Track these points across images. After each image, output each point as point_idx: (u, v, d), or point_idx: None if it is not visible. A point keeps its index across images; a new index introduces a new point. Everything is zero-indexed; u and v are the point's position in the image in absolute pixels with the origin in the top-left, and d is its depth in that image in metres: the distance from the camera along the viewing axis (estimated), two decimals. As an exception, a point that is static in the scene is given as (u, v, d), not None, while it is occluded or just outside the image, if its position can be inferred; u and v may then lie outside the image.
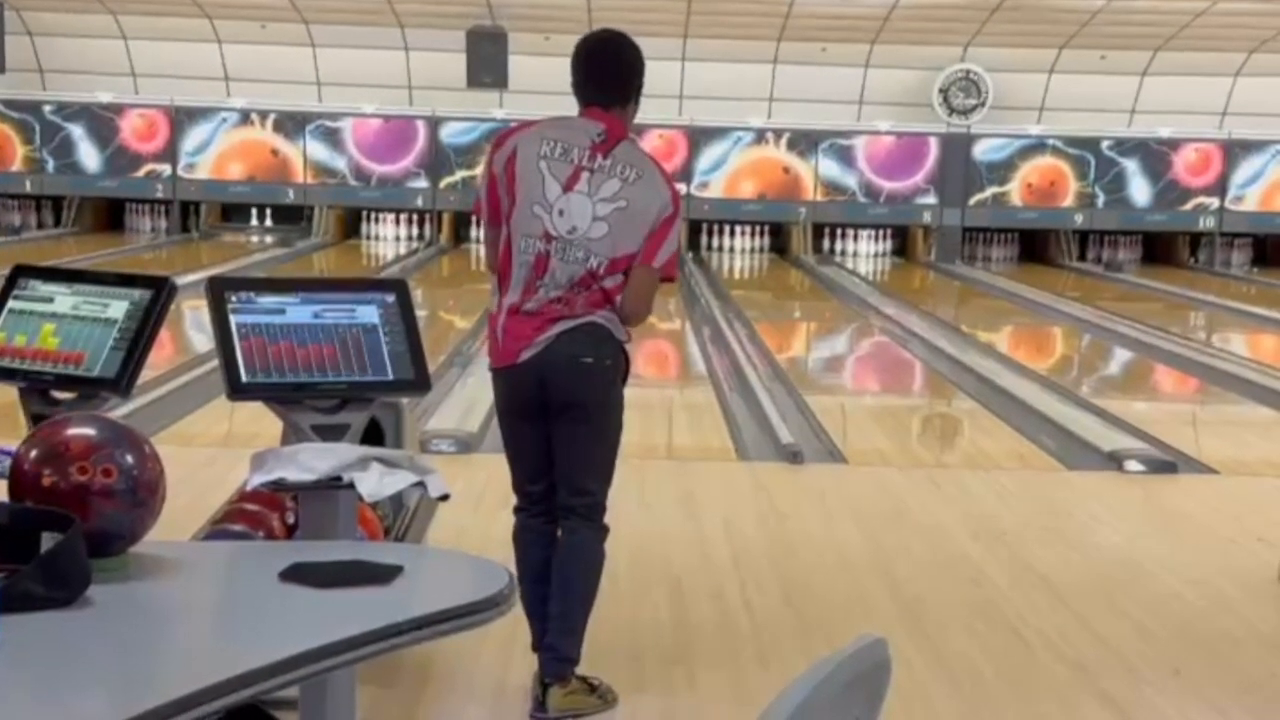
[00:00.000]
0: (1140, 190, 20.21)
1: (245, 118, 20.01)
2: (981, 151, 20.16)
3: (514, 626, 3.80)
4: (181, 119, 19.91)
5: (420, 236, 20.18)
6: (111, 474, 2.23)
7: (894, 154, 20.13)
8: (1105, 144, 20.11)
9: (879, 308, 14.84)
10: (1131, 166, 20.15)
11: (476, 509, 5.63)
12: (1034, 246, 20.78)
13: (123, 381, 3.23)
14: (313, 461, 3.11)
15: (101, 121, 19.92)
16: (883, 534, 5.80)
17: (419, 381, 3.43)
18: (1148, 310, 14.91)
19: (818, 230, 20.46)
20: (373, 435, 3.73)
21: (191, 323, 10.98)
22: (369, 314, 3.41)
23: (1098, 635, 4.63)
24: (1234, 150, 20.09)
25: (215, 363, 3.39)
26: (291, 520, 3.92)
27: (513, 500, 4.02)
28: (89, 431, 2.29)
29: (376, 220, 20.46)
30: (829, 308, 15.73)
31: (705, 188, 20.01)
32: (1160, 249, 20.61)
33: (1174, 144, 20.08)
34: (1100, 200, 20.23)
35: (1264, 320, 14.48)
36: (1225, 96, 20.01)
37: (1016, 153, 20.17)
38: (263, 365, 3.27)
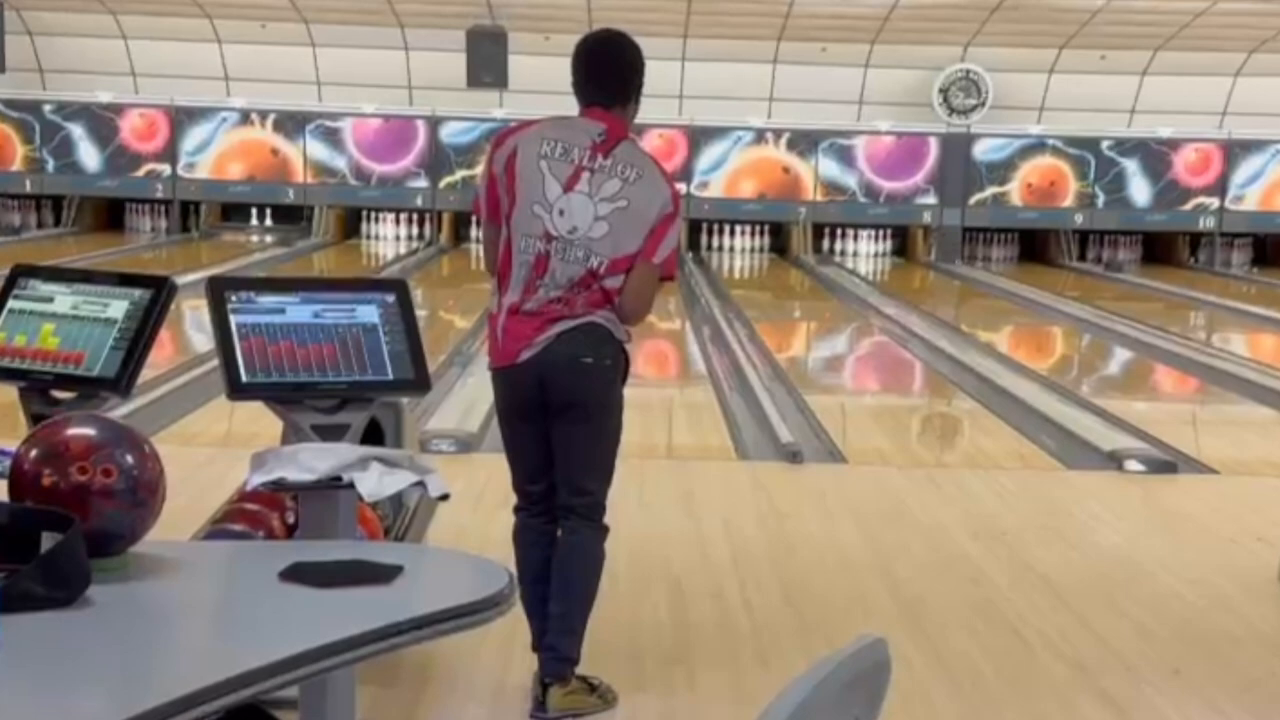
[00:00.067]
0: (1140, 190, 20.21)
1: (245, 117, 20.01)
2: (981, 151, 20.16)
3: (514, 626, 3.81)
4: (181, 119, 19.91)
5: (420, 236, 20.18)
6: (111, 474, 2.23)
7: (894, 154, 20.13)
8: (1105, 144, 20.11)
9: (879, 308, 14.84)
10: (1131, 166, 20.14)
11: (476, 509, 5.63)
12: (1034, 246, 20.78)
13: (123, 381, 3.23)
14: (313, 461, 3.11)
15: (101, 121, 19.92)
16: (883, 534, 5.80)
17: (419, 381, 3.43)
18: (1148, 310, 14.91)
19: (818, 230, 20.46)
20: (373, 435, 3.73)
21: (191, 323, 10.98)
22: (369, 314, 3.41)
23: (1097, 635, 4.63)
24: (1234, 150, 20.09)
25: (215, 362, 3.39)
26: (291, 520, 3.92)
27: (513, 500, 4.02)
28: (89, 431, 2.29)
29: (376, 220, 20.46)
30: (829, 308, 15.73)
31: (705, 187, 20.00)
32: (1160, 249, 20.60)
33: (1174, 144, 20.08)
34: (1100, 200, 20.23)
35: (1264, 320, 14.48)
36: (1225, 96, 20.01)
37: (1016, 153, 20.17)
38: (263, 365, 3.27)
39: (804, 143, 20.08)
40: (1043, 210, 20.31)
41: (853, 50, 19.47)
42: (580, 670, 3.91)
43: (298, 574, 2.29)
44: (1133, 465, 7.13)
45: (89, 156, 19.98)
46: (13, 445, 2.35)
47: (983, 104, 19.84)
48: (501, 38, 18.58)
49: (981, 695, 4.11)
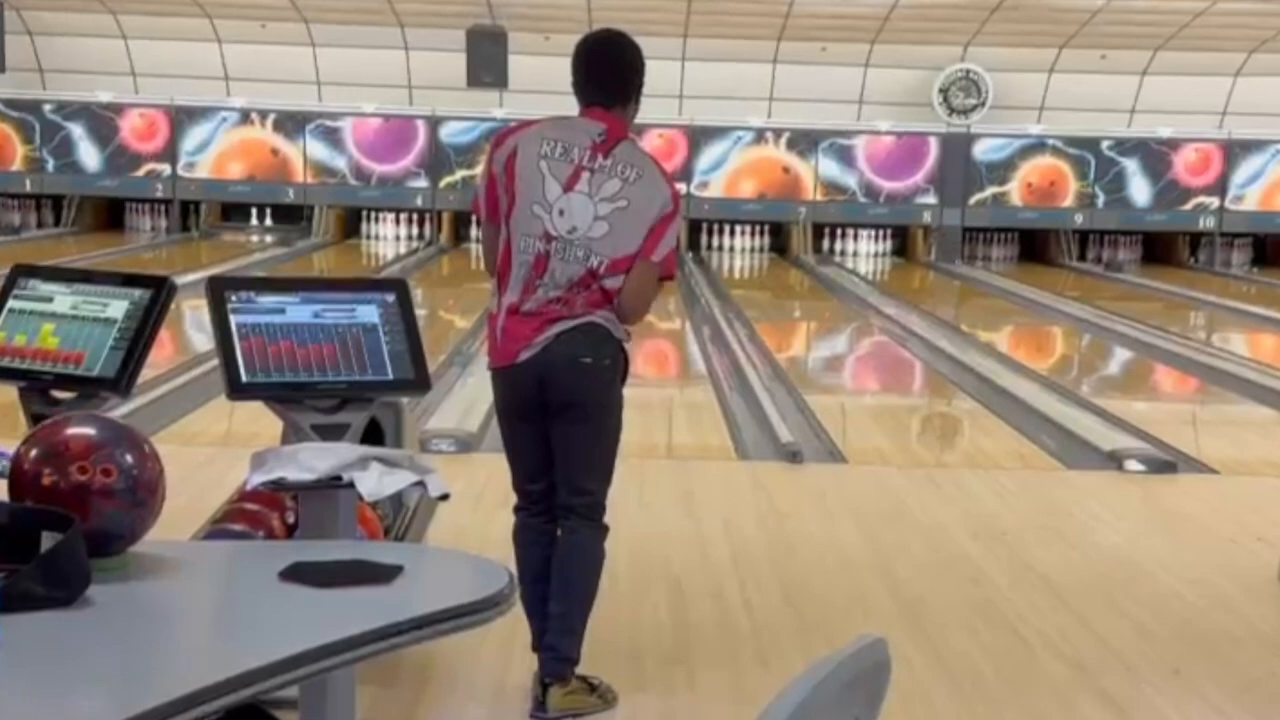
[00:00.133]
0: (1140, 190, 20.22)
1: (245, 117, 20.01)
2: (981, 151, 20.16)
3: (514, 626, 3.80)
4: (181, 118, 19.91)
5: (420, 236, 20.18)
6: (111, 474, 2.23)
7: (894, 154, 20.13)
8: (1105, 144, 20.11)
9: (879, 307, 14.84)
10: (1131, 166, 20.14)
11: (476, 508, 5.63)
12: (1034, 246, 20.78)
13: (122, 381, 3.23)
14: (313, 461, 3.11)
15: (101, 121, 19.92)
16: (882, 534, 5.80)
17: (419, 381, 3.43)
18: (1148, 310, 14.91)
19: (818, 230, 20.46)
20: (373, 435, 3.73)
21: (191, 322, 10.98)
22: (369, 313, 3.41)
23: (1097, 635, 4.63)
24: (1234, 150, 20.09)
25: (215, 362, 3.39)
26: (291, 520, 3.92)
27: (512, 500, 4.02)
28: (89, 431, 2.29)
29: (376, 220, 20.46)
30: (829, 307, 15.73)
31: (705, 187, 20.01)
32: (1160, 249, 20.61)
33: (1174, 144, 20.08)
34: (1100, 200, 20.23)
35: (1264, 320, 14.48)
36: (1225, 96, 20.01)
37: (1016, 153, 20.17)
38: (263, 365, 3.27)
39: (804, 142, 20.08)
40: (1043, 210, 20.31)
41: (853, 50, 19.47)
42: (580, 670, 3.91)
43: (298, 574, 2.29)
44: (1133, 465, 7.13)
45: (89, 156, 19.98)
46: (12, 446, 2.35)
47: (983, 104, 19.84)
48: (501, 38, 18.58)
49: (981, 695, 4.11)
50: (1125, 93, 20.06)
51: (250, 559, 2.68)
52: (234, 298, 3.33)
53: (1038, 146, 20.17)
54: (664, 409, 8.68)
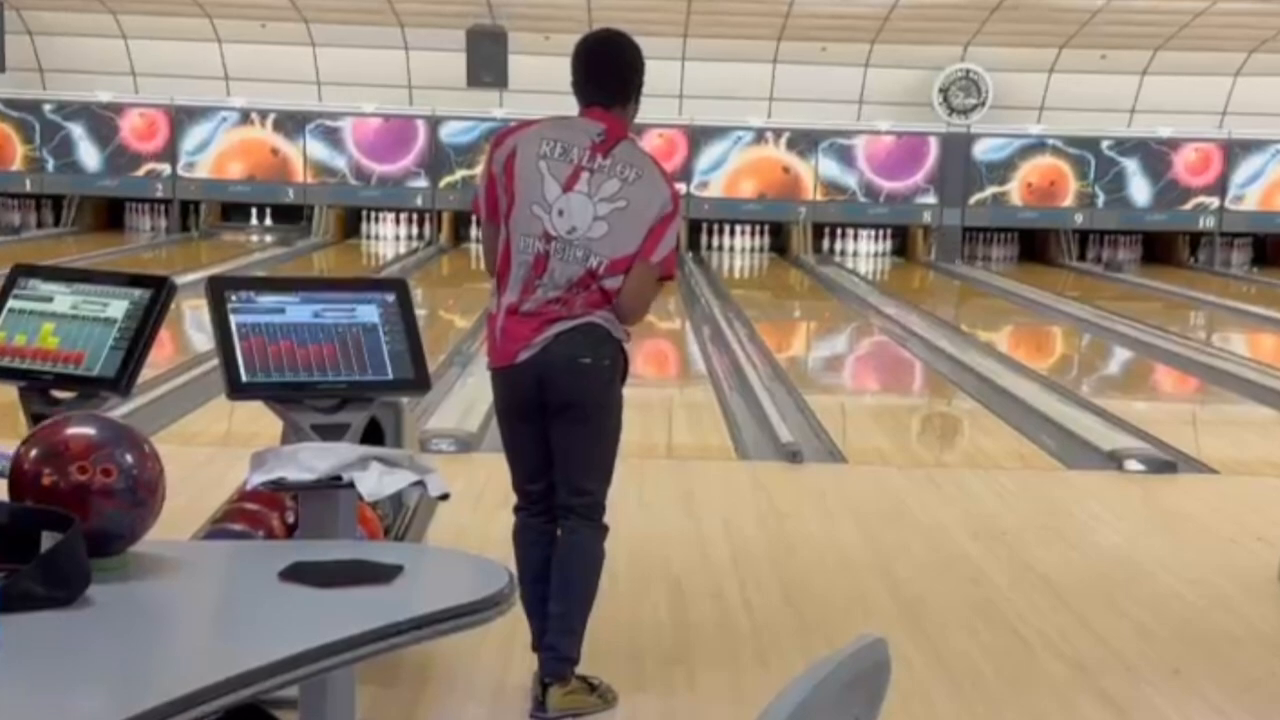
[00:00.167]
0: (1140, 190, 20.22)
1: (245, 117, 20.01)
2: (981, 151, 20.16)
3: (514, 626, 3.80)
4: (181, 118, 19.91)
5: (420, 236, 20.18)
6: (111, 473, 2.23)
7: (894, 154, 20.13)
8: (1105, 144, 20.11)
9: (879, 307, 14.84)
10: (1131, 166, 20.14)
11: (476, 508, 5.63)
12: (1034, 246, 20.78)
13: (122, 381, 3.23)
14: (312, 461, 3.11)
15: (101, 121, 19.92)
16: (882, 534, 5.80)
17: (419, 381, 3.43)
18: (1148, 310, 14.91)
19: (818, 230, 20.46)
20: (373, 435, 3.73)
21: (191, 322, 10.98)
22: (369, 313, 3.41)
23: (1097, 635, 4.63)
24: (1234, 150, 20.09)
25: (215, 362, 3.39)
26: (291, 519, 3.92)
27: (512, 499, 4.02)
28: (88, 431, 2.29)
29: (376, 220, 20.46)
30: (829, 307, 15.73)
31: (705, 187, 20.00)
32: (1160, 249, 20.61)
33: (1174, 144, 20.08)
34: (1100, 200, 20.23)
35: (1264, 320, 14.48)
36: (1225, 96, 20.01)
37: (1016, 152, 20.17)
38: (262, 365, 3.28)
39: (804, 142, 20.08)
40: (1043, 210, 20.31)
41: (853, 50, 19.47)
42: (580, 670, 3.91)
43: (298, 574, 2.29)
44: (1133, 465, 7.13)
45: (89, 156, 19.98)
46: (12, 446, 2.35)
47: (983, 104, 19.84)
48: (501, 37, 18.58)
49: (981, 695, 4.11)
50: (1125, 93, 20.06)
51: (250, 559, 2.68)
52: (234, 297, 3.33)
53: (1038, 146, 20.17)
54: (664, 409, 8.68)
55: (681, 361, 11.39)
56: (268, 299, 3.38)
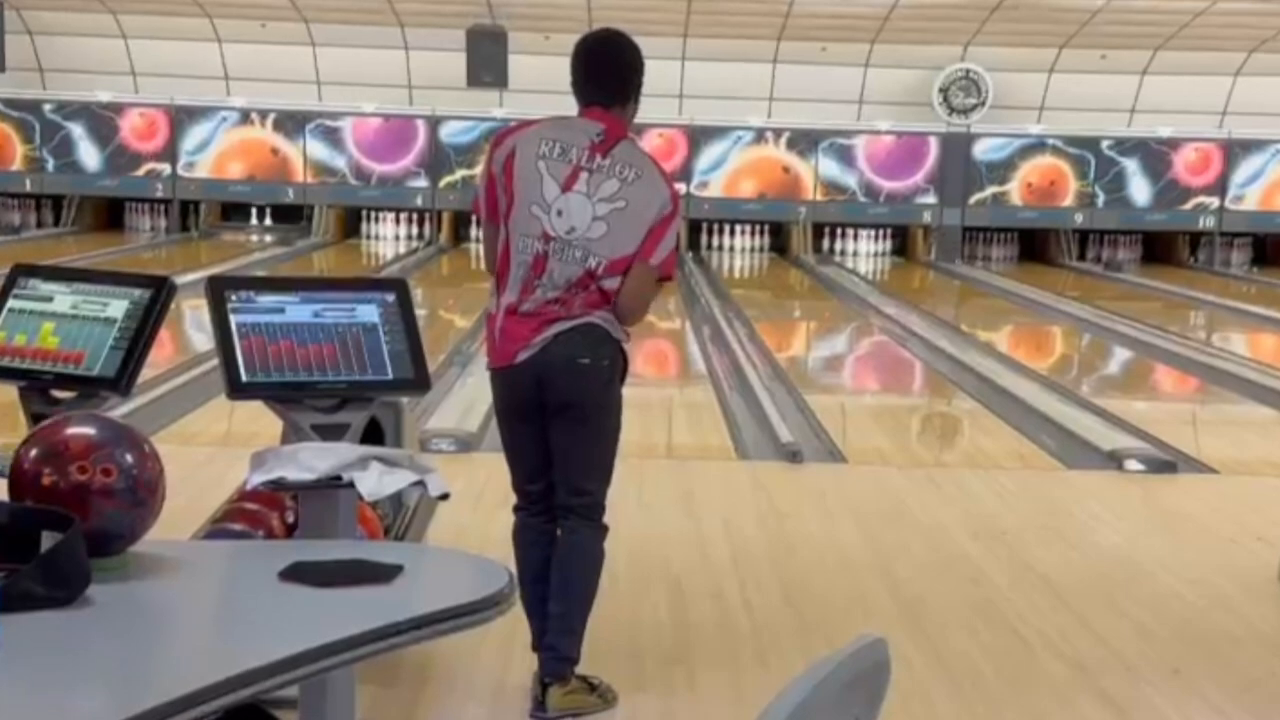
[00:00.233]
0: (1140, 190, 20.22)
1: (245, 117, 20.01)
2: (981, 151, 20.16)
3: (514, 626, 3.80)
4: (181, 118, 19.91)
5: (420, 236, 20.19)
6: (111, 473, 2.23)
7: (894, 153, 20.13)
8: (1105, 143, 20.11)
9: (879, 307, 14.84)
10: (1131, 166, 20.15)
11: (476, 508, 5.63)
12: (1034, 246, 20.78)
13: (122, 381, 3.24)
14: (312, 461, 3.11)
15: (101, 121, 19.92)
16: (882, 534, 5.80)
17: (419, 381, 3.43)
18: (1147, 310, 14.91)
19: (817, 230, 20.46)
20: (372, 434, 3.72)
21: (191, 322, 10.98)
22: (369, 313, 3.41)
23: (1097, 635, 4.63)
24: (1234, 150, 20.09)
25: (215, 362, 3.39)
26: (291, 519, 3.92)
27: (512, 499, 4.01)
28: (88, 431, 2.29)
29: (376, 220, 20.46)
30: (829, 307, 15.73)
31: (705, 187, 20.00)
32: (1160, 248, 20.61)
33: (1174, 143, 20.08)
34: (1100, 200, 20.23)
35: (1264, 320, 14.48)
36: (1225, 96, 20.01)
37: (1016, 152, 20.17)
38: (262, 364, 3.28)
39: (804, 142, 20.08)
40: (1043, 210, 20.31)
41: (853, 50, 19.47)
42: (580, 670, 3.91)
43: (298, 573, 2.29)
44: (1133, 465, 7.13)
45: (89, 156, 19.98)
46: (11, 446, 2.35)
47: (983, 104, 19.84)
48: (501, 37, 18.58)
49: (981, 695, 4.11)
50: (1125, 92, 20.06)
51: (250, 559, 2.68)
52: (234, 297, 3.33)
53: (1038, 146, 20.17)
54: (664, 409, 8.68)
55: (681, 361, 11.39)
56: (268, 299, 3.38)
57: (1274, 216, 20.32)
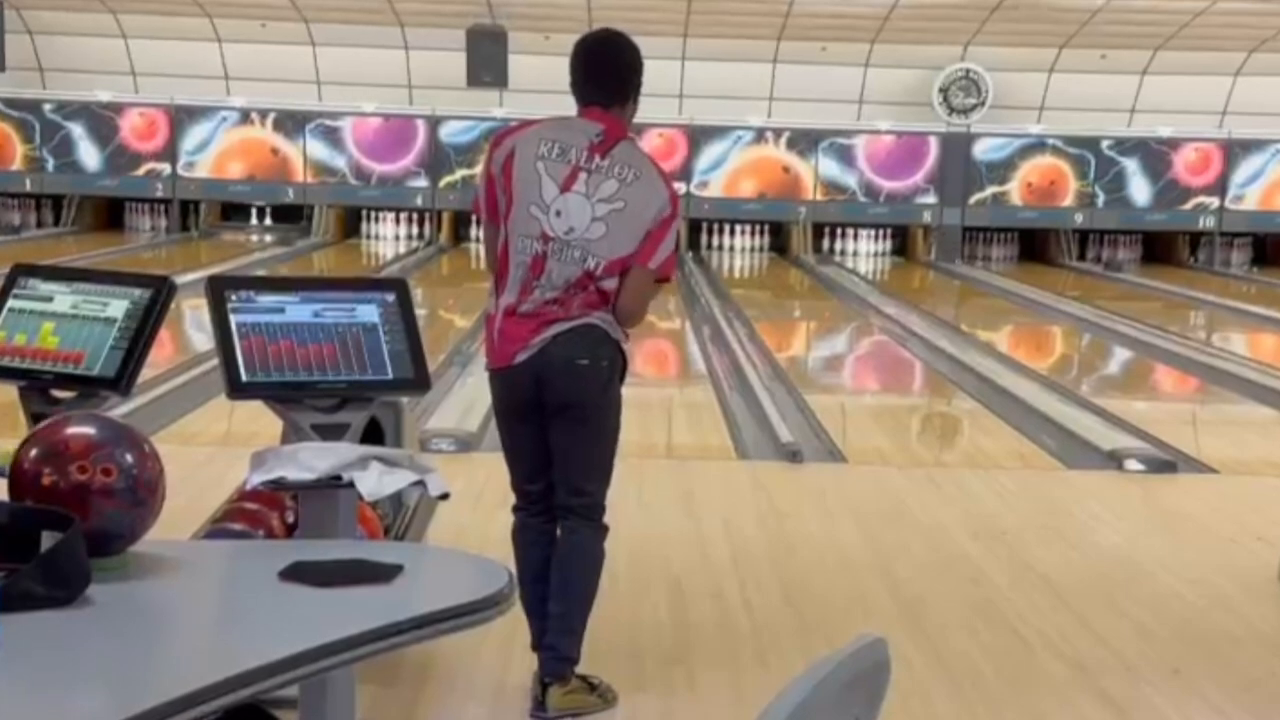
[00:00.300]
0: (1140, 190, 20.22)
1: (245, 117, 20.01)
2: (981, 151, 20.17)
3: (514, 626, 3.80)
4: (181, 118, 19.91)
5: (420, 236, 20.19)
6: (111, 473, 2.23)
7: (894, 153, 20.14)
8: (1105, 143, 20.11)
9: (879, 307, 14.84)
10: (1131, 166, 20.15)
11: (476, 508, 5.63)
12: (1034, 246, 20.78)
13: (122, 381, 3.24)
14: (312, 460, 3.11)
15: (101, 120, 19.92)
16: (882, 533, 5.80)
17: (419, 380, 3.43)
18: (1147, 310, 14.91)
19: (817, 229, 20.46)
20: (372, 434, 3.72)
21: (191, 322, 10.98)
22: (369, 313, 3.41)
23: (1097, 635, 4.63)
24: (1234, 150, 20.09)
25: (215, 362, 3.39)
26: (291, 519, 3.92)
27: (512, 499, 4.01)
28: (88, 430, 2.29)
29: (376, 219, 20.46)
30: (829, 307, 15.73)
31: (705, 187, 20.01)
32: (1160, 248, 20.61)
33: (1174, 143, 20.09)
34: (1100, 200, 20.23)
35: (1264, 320, 14.48)
36: (1225, 96, 20.02)
37: (1016, 152, 20.17)
38: (262, 364, 3.28)
39: (804, 142, 20.08)
40: (1043, 210, 20.31)
41: (853, 50, 19.47)
42: (580, 670, 3.91)
43: (298, 573, 2.29)
44: (1133, 465, 7.13)
45: (89, 156, 19.98)
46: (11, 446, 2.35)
47: (983, 103, 19.84)
48: (501, 37, 18.58)
49: (981, 695, 4.11)
50: (1125, 92, 20.06)
51: (250, 558, 2.68)
52: (234, 297, 3.34)
53: (1038, 146, 20.17)
54: (664, 409, 8.68)
55: (681, 361, 11.39)
56: (268, 299, 3.38)
57: (1274, 216, 20.32)
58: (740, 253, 20.44)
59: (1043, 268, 19.82)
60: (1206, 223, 20.30)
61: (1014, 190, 20.24)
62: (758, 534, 5.75)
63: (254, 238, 20.53)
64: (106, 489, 2.22)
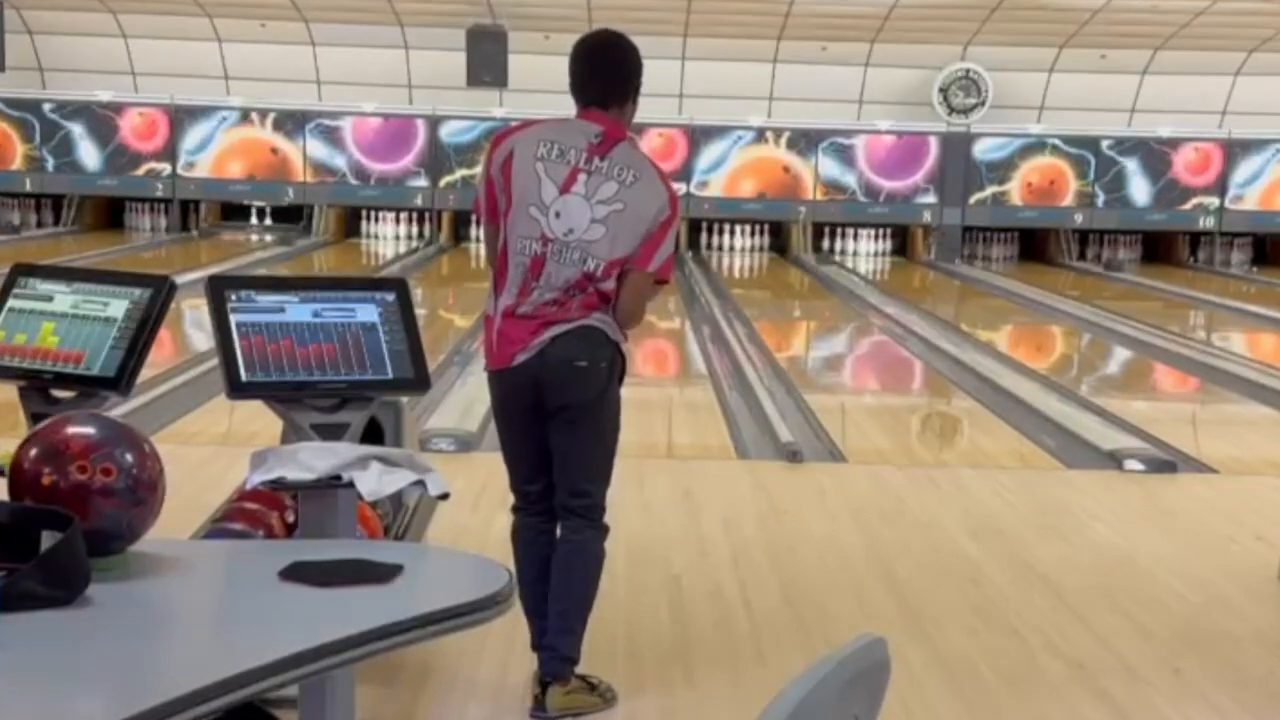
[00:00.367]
0: (1140, 189, 20.22)
1: (245, 116, 20.01)
2: (981, 151, 20.17)
3: (514, 626, 3.81)
4: (181, 117, 19.91)
5: (420, 235, 20.19)
6: (111, 473, 2.23)
7: (894, 153, 20.14)
8: (1105, 143, 20.11)
9: (879, 307, 14.84)
10: (1131, 166, 20.15)
11: (476, 508, 5.63)
12: (1034, 245, 20.79)
13: (122, 380, 3.24)
14: (312, 460, 3.11)
15: (101, 120, 19.92)
16: (882, 533, 5.80)
17: (419, 380, 3.43)
18: (1148, 310, 14.92)
19: (817, 229, 20.47)
20: (372, 434, 3.73)
21: (191, 322, 10.98)
22: (369, 313, 3.41)
23: (1097, 634, 4.63)
24: (1234, 149, 20.09)
25: (215, 361, 3.39)
26: (291, 519, 3.92)
27: (512, 499, 4.01)
28: (88, 430, 2.29)
29: (376, 219, 20.47)
30: (828, 307, 15.73)
31: (705, 187, 20.01)
32: (1160, 248, 20.61)
33: (1174, 143, 20.09)
34: (1100, 199, 20.24)
35: (1264, 320, 14.48)
36: (1225, 96, 20.02)
37: (1016, 152, 20.18)
38: (262, 364, 3.28)
39: (804, 142, 20.09)
40: (1043, 209, 20.32)
41: (853, 49, 19.48)
42: (580, 670, 3.91)
43: (297, 573, 2.29)
44: (1132, 465, 7.13)
45: (89, 155, 19.98)
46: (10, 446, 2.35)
47: (983, 103, 19.85)
48: (501, 37, 18.59)
49: (981, 695, 4.11)
50: (1125, 92, 20.06)
51: (250, 558, 2.68)
52: (234, 297, 3.34)
53: (1038, 146, 20.18)
54: (664, 408, 8.68)
55: (681, 361, 11.39)
56: (267, 298, 3.38)
57: (1274, 216, 20.32)
58: (740, 253, 20.44)
59: (1043, 267, 19.82)
60: (1206, 223, 20.30)
61: (1014, 190, 20.25)
62: (757, 534, 5.75)
63: (254, 238, 20.53)
64: (106, 489, 2.22)
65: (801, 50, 19.38)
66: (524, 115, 4.36)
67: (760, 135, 20.10)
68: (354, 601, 2.21)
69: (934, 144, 20.10)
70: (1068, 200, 20.29)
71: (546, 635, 3.88)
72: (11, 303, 3.39)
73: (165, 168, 19.99)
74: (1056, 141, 20.13)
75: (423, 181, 20.00)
